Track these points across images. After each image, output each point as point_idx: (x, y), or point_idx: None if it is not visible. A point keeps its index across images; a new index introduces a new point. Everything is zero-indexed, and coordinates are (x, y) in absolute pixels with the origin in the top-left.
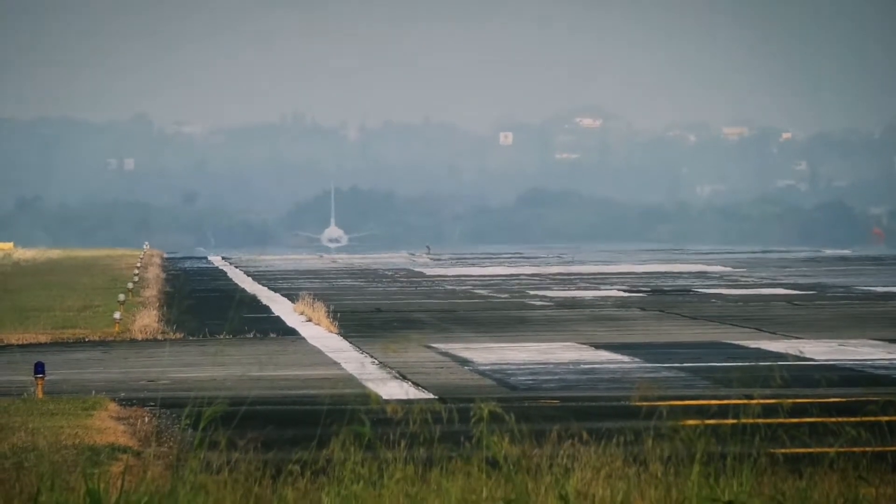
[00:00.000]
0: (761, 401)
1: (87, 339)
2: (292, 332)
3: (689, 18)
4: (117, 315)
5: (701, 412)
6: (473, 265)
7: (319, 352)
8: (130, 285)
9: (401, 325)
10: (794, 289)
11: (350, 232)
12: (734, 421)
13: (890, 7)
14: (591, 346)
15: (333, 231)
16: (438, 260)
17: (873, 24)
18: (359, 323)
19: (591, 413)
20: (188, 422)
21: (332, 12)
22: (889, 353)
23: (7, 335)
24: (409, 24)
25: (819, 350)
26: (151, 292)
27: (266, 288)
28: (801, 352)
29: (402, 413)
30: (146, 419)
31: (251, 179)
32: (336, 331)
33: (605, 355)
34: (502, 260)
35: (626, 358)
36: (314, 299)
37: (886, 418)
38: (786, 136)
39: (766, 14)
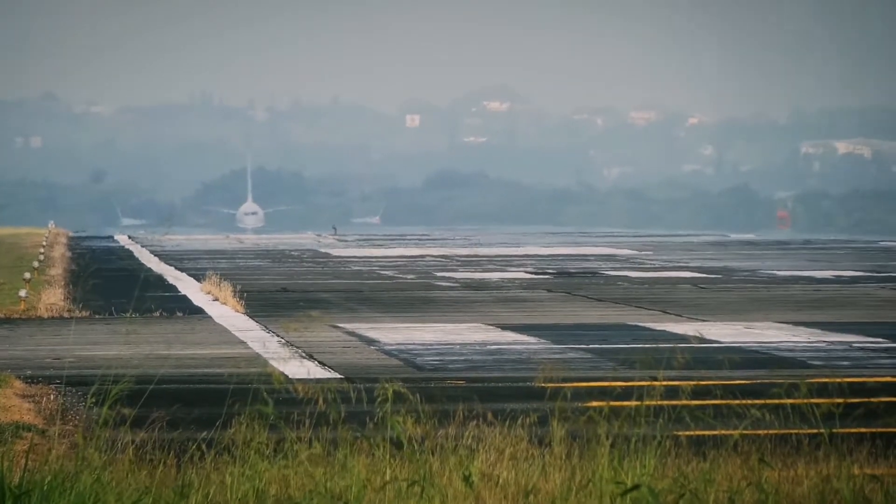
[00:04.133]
0: (666, 383)
1: None
2: (199, 312)
3: (597, 2)
4: (23, 293)
5: (606, 394)
6: (380, 246)
7: (226, 331)
8: (36, 264)
9: (307, 305)
10: (700, 272)
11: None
12: (638, 403)
13: None
14: (497, 327)
15: (250, 206)
16: (345, 241)
17: (780, 9)
18: (265, 303)
19: (496, 394)
20: (94, 400)
21: None
22: (793, 335)
23: None
24: (317, 3)
25: (724, 332)
26: (57, 271)
27: (173, 268)
28: (700, 334)
29: (308, 393)
30: (51, 397)
31: (159, 159)
32: (243, 310)
33: (511, 336)
34: (409, 241)
35: (532, 339)
36: (221, 279)
37: (790, 401)
38: (692, 120)
39: None
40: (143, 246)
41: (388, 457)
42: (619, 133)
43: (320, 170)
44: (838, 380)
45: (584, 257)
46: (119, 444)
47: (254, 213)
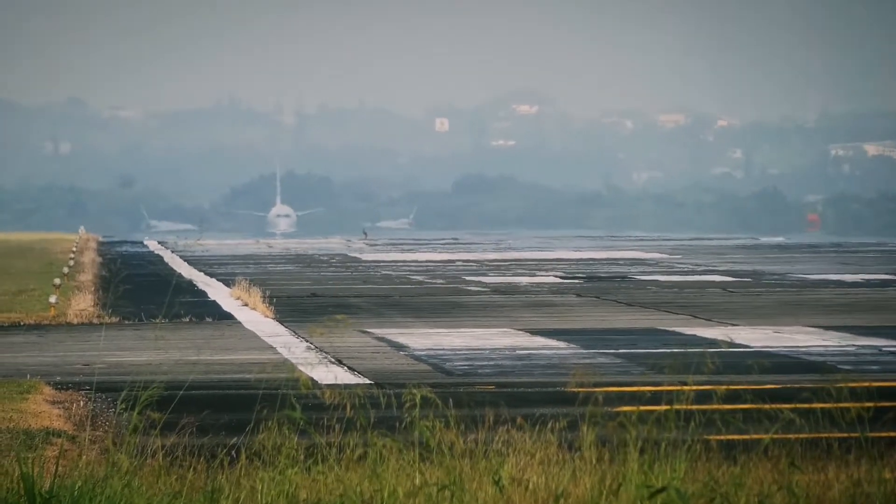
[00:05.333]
0: (695, 387)
1: (22, 323)
2: (228, 317)
3: (625, 4)
4: (53, 299)
5: (636, 398)
6: (409, 251)
7: (255, 336)
8: (66, 269)
9: (337, 310)
10: (730, 276)
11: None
12: (668, 407)
13: None
14: (527, 331)
15: (282, 208)
16: (374, 245)
17: (808, 12)
18: (295, 308)
19: (526, 399)
20: (124, 406)
21: None
22: (824, 339)
23: None
24: (343, 7)
25: (754, 337)
26: (87, 276)
27: (202, 273)
28: (730, 338)
29: (337, 398)
30: (81, 403)
31: (187, 164)
32: (272, 315)
33: (540, 341)
34: (438, 245)
35: (561, 344)
36: (250, 284)
37: (820, 405)
38: (721, 123)
39: (701, 2)
40: (172, 251)
41: (418, 461)
42: (648, 136)
43: (348, 174)
44: (868, 384)
45: (613, 261)
46: (149, 450)
47: (286, 216)
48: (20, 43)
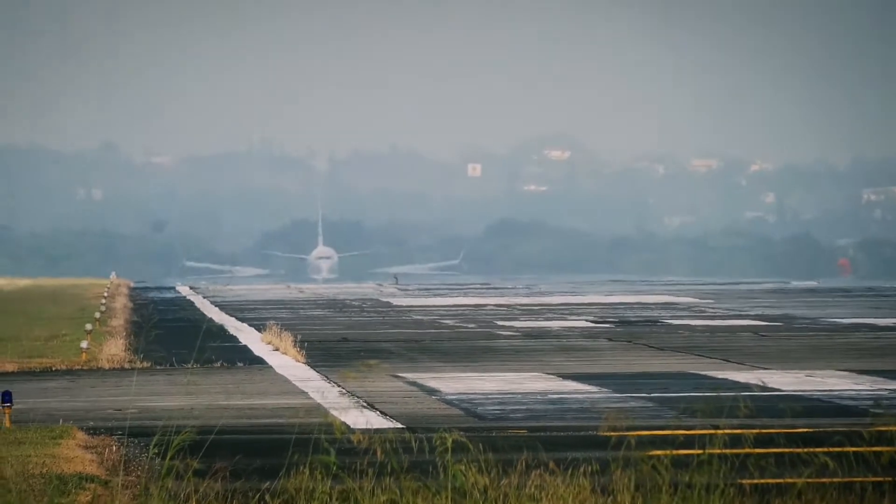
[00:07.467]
0: (728, 431)
1: (54, 369)
2: (260, 362)
3: (657, 50)
4: (85, 344)
5: (668, 442)
6: (440, 295)
7: (287, 381)
8: (98, 315)
9: (368, 355)
10: (762, 320)
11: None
12: (701, 451)
13: (855, 40)
14: (558, 376)
15: (323, 251)
16: (406, 290)
17: (841, 56)
18: (326, 352)
19: (558, 443)
20: (156, 451)
21: (299, 42)
22: (856, 383)
23: None
24: (375, 53)
25: (786, 381)
26: (119, 322)
27: (234, 318)
28: (762, 382)
29: (369, 442)
30: (114, 448)
31: (220, 208)
32: (303, 360)
33: (572, 385)
34: (470, 290)
35: (593, 388)
36: (281, 329)
37: (853, 449)
38: (754, 167)
39: (733, 46)
40: (204, 297)
41: None
42: (680, 180)
43: (380, 218)
44: None
45: (645, 305)
46: (182, 495)
47: (328, 258)
48: (53, 89)
